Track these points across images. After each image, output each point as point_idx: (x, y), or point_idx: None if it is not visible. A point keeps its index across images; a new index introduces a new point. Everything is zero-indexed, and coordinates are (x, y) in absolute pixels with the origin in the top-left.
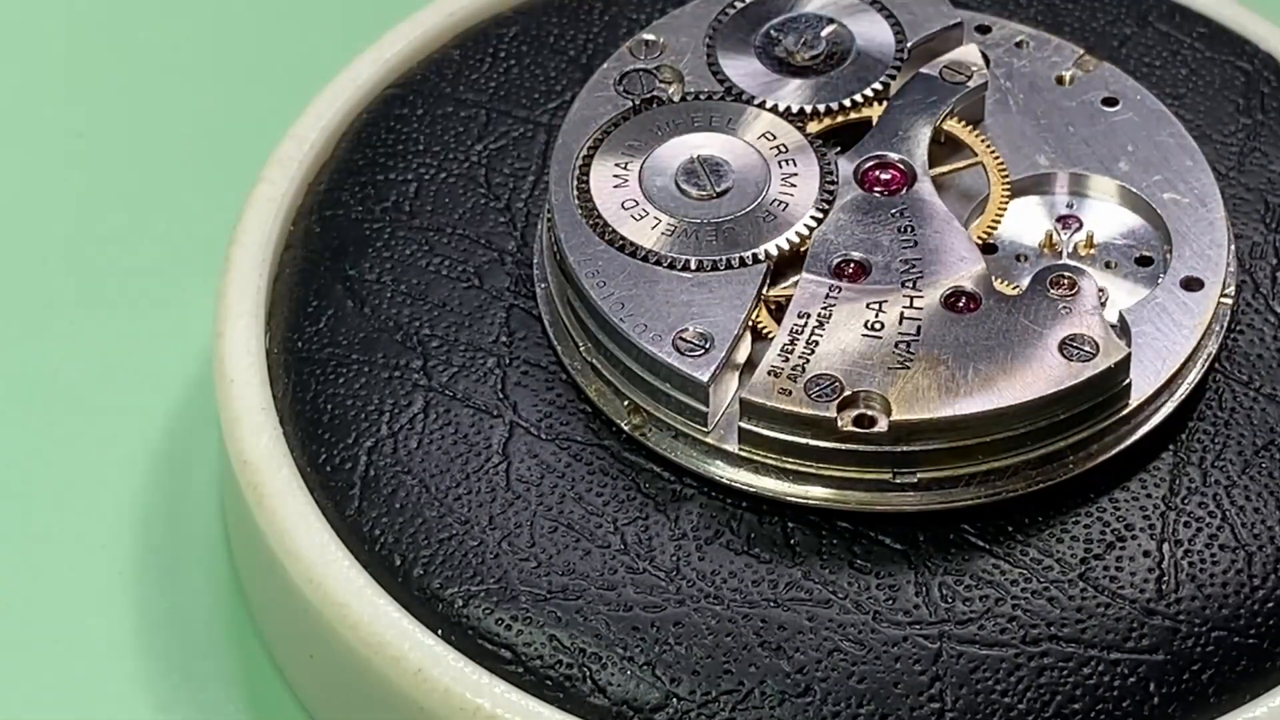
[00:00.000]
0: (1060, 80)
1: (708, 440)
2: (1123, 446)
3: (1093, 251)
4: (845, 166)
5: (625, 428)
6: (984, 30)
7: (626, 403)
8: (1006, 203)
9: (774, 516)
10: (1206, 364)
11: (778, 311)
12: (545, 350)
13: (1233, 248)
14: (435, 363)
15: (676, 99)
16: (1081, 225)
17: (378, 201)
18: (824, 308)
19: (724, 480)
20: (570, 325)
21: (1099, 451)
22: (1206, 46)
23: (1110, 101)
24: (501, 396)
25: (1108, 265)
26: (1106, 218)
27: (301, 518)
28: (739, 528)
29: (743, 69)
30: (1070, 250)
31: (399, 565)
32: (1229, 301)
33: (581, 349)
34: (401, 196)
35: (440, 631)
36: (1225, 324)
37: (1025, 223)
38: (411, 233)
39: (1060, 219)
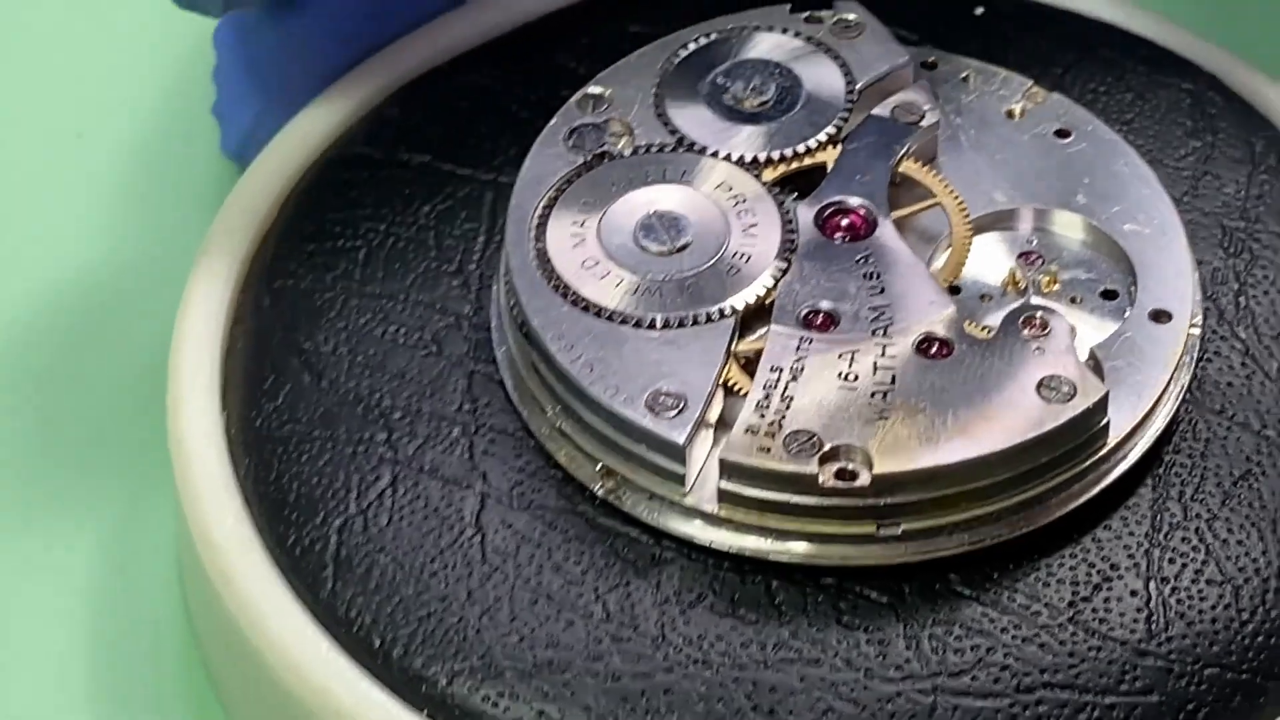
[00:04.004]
0: (1010, 114)
1: (685, 502)
2: (1103, 485)
3: (1057, 287)
4: (805, 214)
5: (599, 492)
6: (930, 66)
7: (599, 466)
8: (970, 243)
9: (757, 576)
10: (1180, 396)
11: (748, 366)
12: (511, 416)
13: (1196, 276)
14: (400, 435)
15: (628, 153)
16: (1044, 261)
17: (327, 270)
18: (796, 360)
19: (704, 541)
20: (536, 389)
21: (1080, 491)
22: (1151, 70)
23: (1063, 133)
24: (470, 466)
25: (1073, 300)
26: (1068, 252)
27: (275, 602)
28: (722, 589)
29: (693, 118)
30: (1034, 287)
31: (379, 646)
32: (1197, 331)
33: (549, 413)
34: (351, 264)
35: (427, 712)
36: (1195, 354)
37: (987, 261)
38: (364, 301)
39: (1022, 255)
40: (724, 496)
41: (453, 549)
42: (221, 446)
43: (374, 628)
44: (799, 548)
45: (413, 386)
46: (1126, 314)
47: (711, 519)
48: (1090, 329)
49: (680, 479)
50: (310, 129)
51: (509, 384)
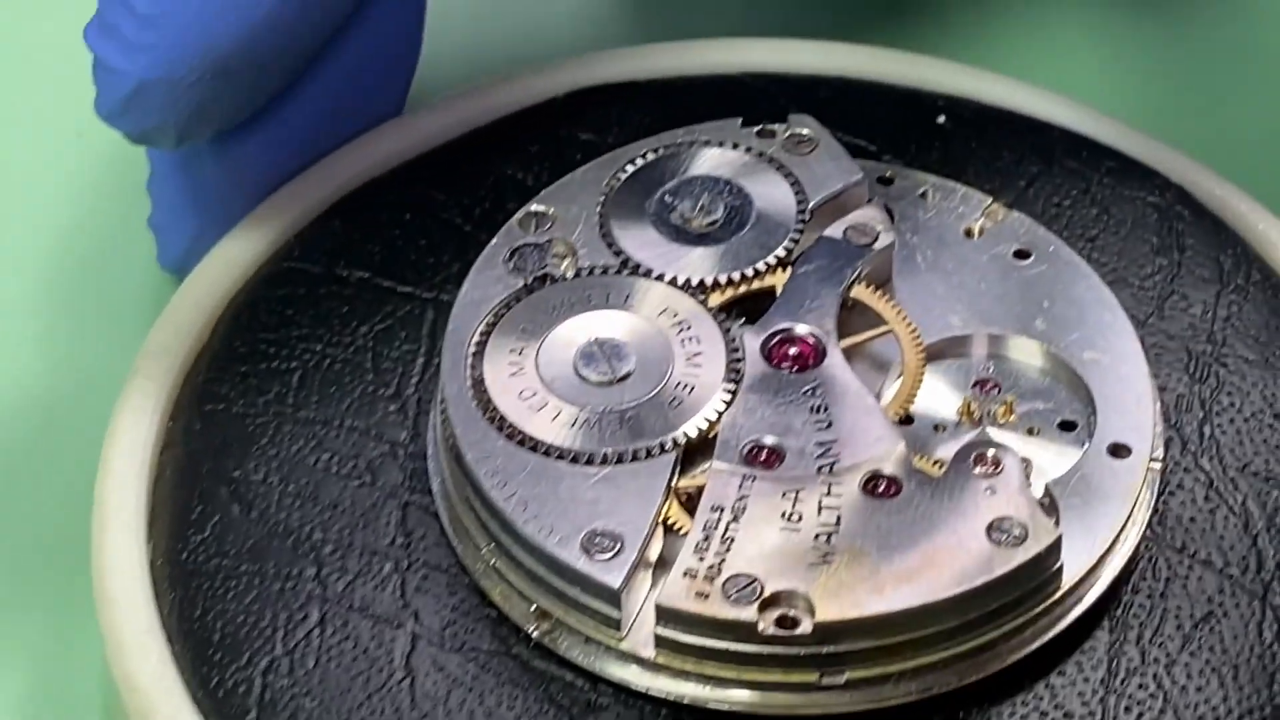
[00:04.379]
0: (969, 232)
1: (622, 646)
2: (1057, 630)
3: (1014, 418)
4: (752, 342)
5: (533, 634)
6: (886, 182)
7: (534, 607)
8: (922, 374)
9: None
10: (1140, 533)
11: (689, 502)
12: (445, 551)
13: (1158, 407)
14: (330, 570)
15: (570, 275)
16: (1000, 390)
17: (260, 393)
18: (738, 500)
19: (640, 688)
20: (470, 524)
21: (1032, 637)
22: (1116, 182)
23: (1022, 254)
24: (402, 605)
25: (1030, 432)
26: (1026, 380)
27: None
28: None
29: (638, 239)
30: (990, 418)
31: None
32: (1158, 466)
33: (483, 550)
34: (285, 387)
35: None
36: (1156, 489)
37: (941, 389)
38: (298, 426)
39: (978, 384)
40: (661, 642)
41: (381, 693)
42: (146, 582)
43: None
44: (739, 696)
45: (345, 518)
46: (1085, 447)
47: (649, 664)
48: (1047, 462)
49: (616, 623)
50: (246, 244)
51: (444, 517)
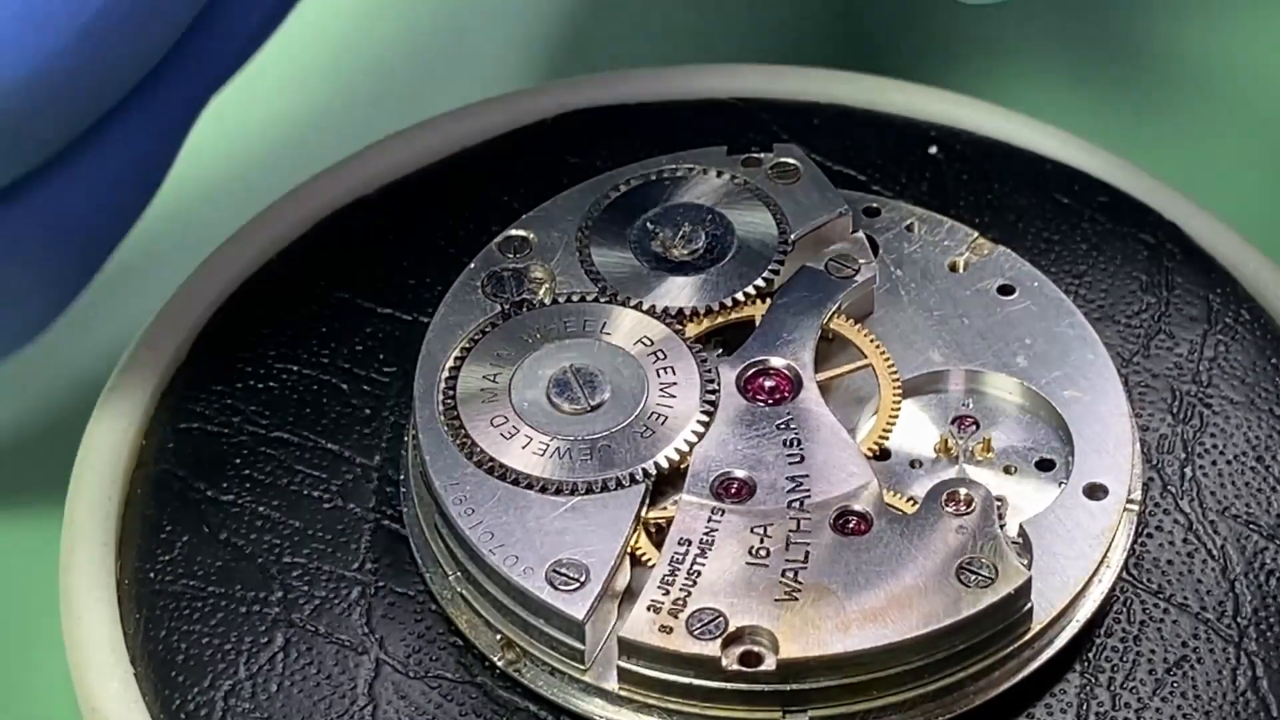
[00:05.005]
0: (954, 266)
1: (586, 678)
2: (1026, 672)
3: (991, 456)
4: (727, 374)
5: (499, 663)
6: (872, 213)
7: (499, 637)
8: (898, 410)
9: None
10: (1115, 576)
11: (658, 534)
12: (414, 577)
13: (1137, 448)
14: (296, 595)
15: (548, 301)
16: (979, 427)
17: (235, 413)
18: (706, 533)
19: None
20: (438, 551)
21: (1001, 679)
22: (1108, 218)
23: (1006, 290)
24: (367, 631)
25: (1007, 470)
26: (1005, 417)
27: None
28: None
29: (617, 266)
30: (967, 455)
31: None
32: (1135, 507)
33: (451, 578)
34: (261, 406)
35: None
36: (1133, 531)
37: (919, 425)
38: (271, 447)
39: (956, 420)
40: (624, 675)
41: (344, 719)
42: (112, 601)
43: None
44: None
45: (314, 542)
46: (1062, 486)
47: (612, 697)
48: (1024, 500)
49: (580, 655)
50: (226, 260)
51: (414, 543)
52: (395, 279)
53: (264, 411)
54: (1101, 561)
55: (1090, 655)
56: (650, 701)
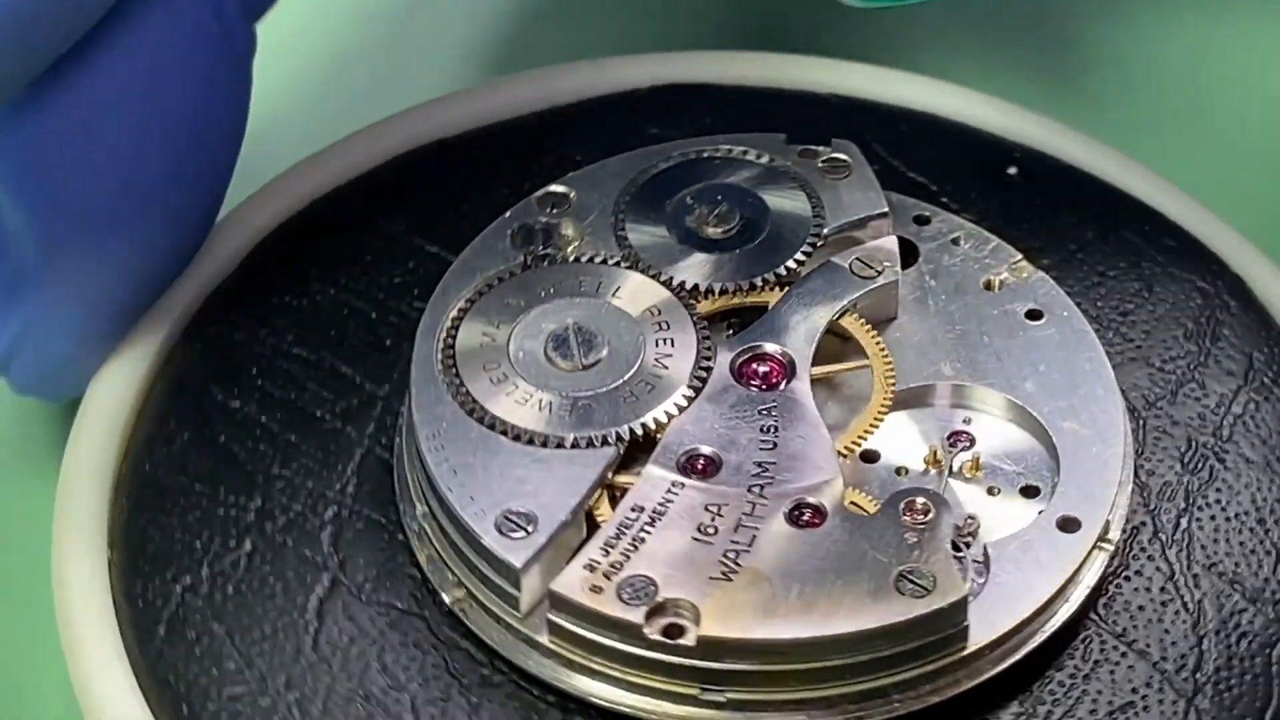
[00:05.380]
0: (989, 285)
1: (522, 628)
2: (958, 691)
3: (979, 474)
4: (725, 354)
5: (448, 601)
6: (922, 221)
7: (452, 576)
8: (884, 414)
9: (578, 718)
10: (1072, 612)
11: (622, 499)
12: (390, 507)
13: (1128, 489)
14: (274, 506)
15: (571, 259)
16: (973, 444)
17: (264, 325)
18: (661, 503)
19: (534, 672)
20: (412, 485)
21: (930, 693)
22: (1170, 262)
23: (1035, 315)
24: (332, 551)
25: (990, 491)
26: (1001, 439)
27: (104, 653)
28: None
29: (647, 235)
30: (954, 470)
31: (185, 717)
32: (1109, 546)
33: (418, 511)
34: (290, 322)
35: None
36: (1102, 571)
37: (914, 434)
38: (288, 362)
39: (952, 434)
40: (554, 629)
41: (287, 632)
42: (106, 486)
43: (186, 695)
44: (624, 697)
45: (304, 458)
46: (1038, 515)
47: (544, 650)
48: (1000, 523)
49: (516, 603)
50: (300, 178)
51: (396, 473)
52: (450, 221)
53: (291, 328)
54: (1059, 594)
55: (1034, 686)
56: (577, 659)
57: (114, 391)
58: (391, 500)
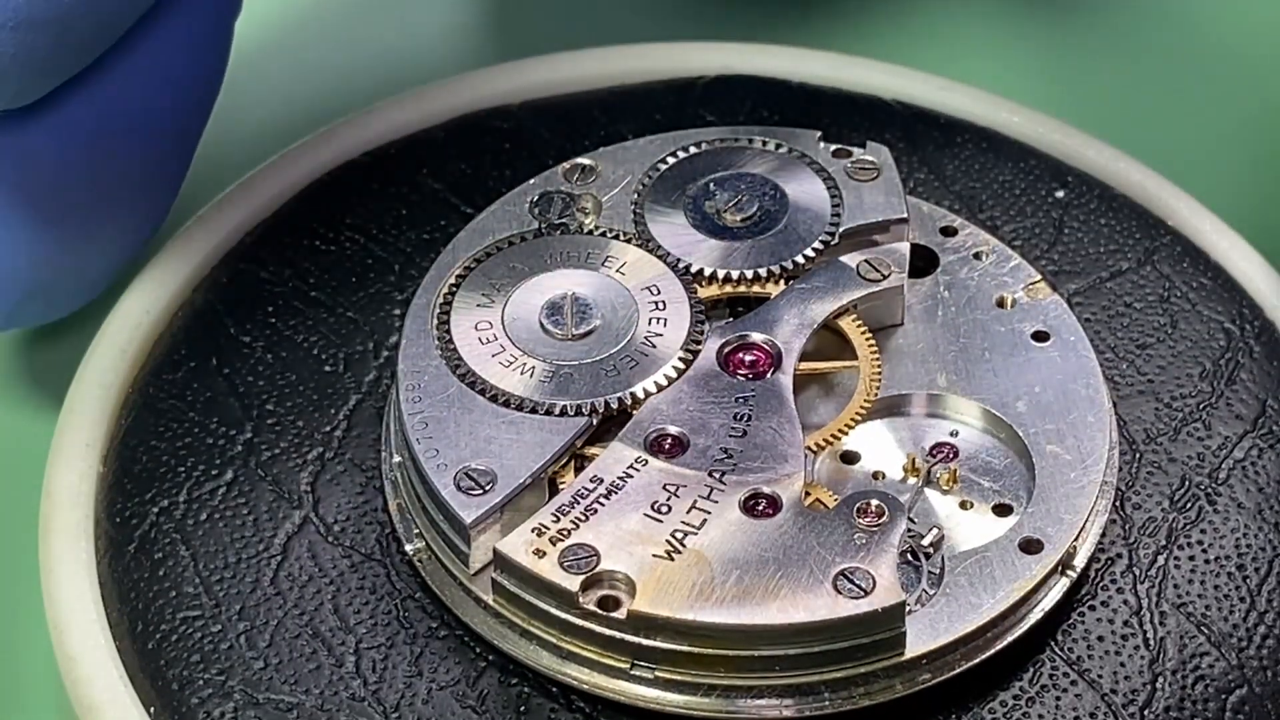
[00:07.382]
0: (1001, 302)
1: (470, 585)
2: (891, 697)
3: (955, 487)
4: (715, 339)
5: (408, 550)
6: (949, 232)
7: (415, 527)
8: (861, 416)
9: (515, 679)
10: (1022, 633)
11: None
12: (374, 454)
13: (1101, 519)
14: (261, 440)
15: (585, 231)
16: (954, 457)
17: (289, 265)
18: (621, 477)
19: (476, 629)
20: (391, 433)
21: (861, 696)
22: (1201, 299)
23: (1041, 336)
24: (308, 489)
25: (963, 505)
26: (983, 456)
27: (73, 563)
28: (476, 681)
29: (664, 217)
30: (932, 480)
31: (138, 632)
32: (1073, 574)
33: (395, 461)
34: (315, 265)
35: (152, 711)
36: (1058, 596)
37: (897, 441)
38: (304, 303)
39: (936, 446)
40: (497, 589)
41: (249, 563)
42: (111, 402)
43: (142, 614)
44: (556, 663)
45: (298, 398)
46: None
47: (488, 609)
48: (968, 537)
49: (465, 558)
50: (353, 129)
51: (384, 421)
52: (491, 185)
53: (313, 270)
54: (1009, 614)
55: (975, 703)
56: (517, 621)
57: (134, 314)
58: (375, 448)
